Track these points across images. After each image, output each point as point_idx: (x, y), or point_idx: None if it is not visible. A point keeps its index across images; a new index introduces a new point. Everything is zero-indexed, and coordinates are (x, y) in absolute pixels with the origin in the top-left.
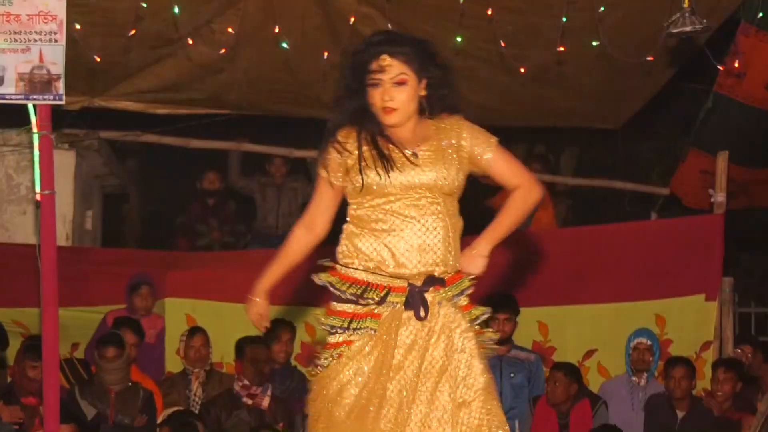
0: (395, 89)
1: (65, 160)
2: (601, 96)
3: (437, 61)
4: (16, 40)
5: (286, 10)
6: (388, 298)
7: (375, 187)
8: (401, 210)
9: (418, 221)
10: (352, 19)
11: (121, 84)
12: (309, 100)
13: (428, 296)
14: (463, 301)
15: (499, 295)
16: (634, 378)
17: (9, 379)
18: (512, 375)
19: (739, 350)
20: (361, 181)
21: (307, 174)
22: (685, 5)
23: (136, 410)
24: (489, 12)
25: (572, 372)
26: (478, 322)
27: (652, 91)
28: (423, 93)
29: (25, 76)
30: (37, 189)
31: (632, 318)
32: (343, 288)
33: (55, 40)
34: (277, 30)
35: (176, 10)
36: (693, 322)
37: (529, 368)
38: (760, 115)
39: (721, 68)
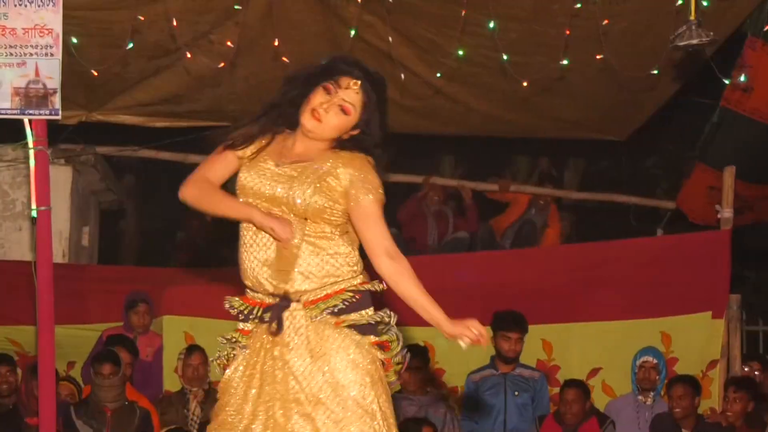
0: (336, 110)
1: (61, 176)
2: (605, 107)
3: (382, 122)
4: (11, 54)
5: (286, 19)
6: (256, 313)
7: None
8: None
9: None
10: (354, 29)
11: (119, 97)
12: None
13: (286, 314)
14: (334, 319)
15: (509, 314)
16: (640, 397)
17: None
18: (516, 393)
19: (747, 368)
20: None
21: None
22: (691, 18)
23: (133, 429)
24: (492, 23)
25: (585, 389)
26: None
27: (658, 104)
28: (346, 136)
29: (20, 90)
30: (33, 205)
31: (638, 336)
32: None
33: (51, 54)
34: (276, 43)
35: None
36: (699, 340)
37: (534, 387)
38: (767, 130)
39: (727, 82)
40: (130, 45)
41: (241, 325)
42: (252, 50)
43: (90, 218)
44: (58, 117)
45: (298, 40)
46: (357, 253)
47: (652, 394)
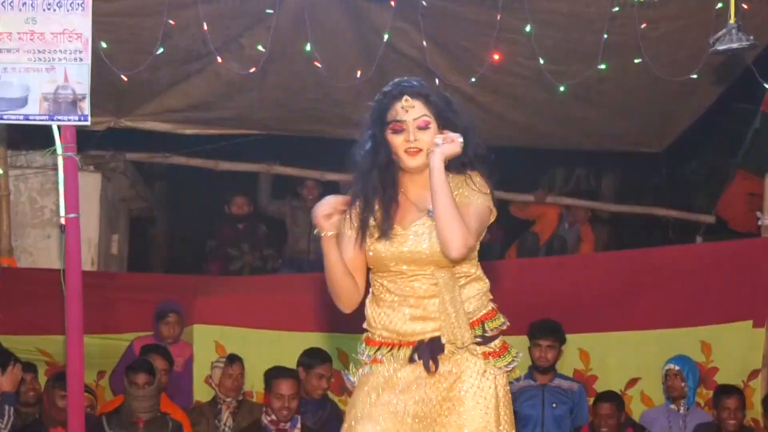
0: (419, 132)
1: (91, 183)
2: (644, 117)
3: (456, 109)
4: (40, 59)
5: (319, 24)
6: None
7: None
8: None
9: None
10: (387, 36)
11: (149, 103)
12: (341, 120)
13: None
14: (486, 348)
15: (542, 322)
16: (672, 406)
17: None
18: (554, 405)
19: None
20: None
21: None
22: (731, 21)
23: None
24: (528, 27)
25: (619, 402)
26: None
27: (698, 111)
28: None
29: (49, 96)
30: (62, 212)
31: (676, 345)
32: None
33: (81, 59)
34: (308, 47)
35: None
36: (740, 350)
37: (572, 398)
38: None
39: None
40: (161, 50)
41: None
42: (283, 55)
43: (119, 225)
44: (88, 123)
45: (331, 47)
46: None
47: (683, 401)
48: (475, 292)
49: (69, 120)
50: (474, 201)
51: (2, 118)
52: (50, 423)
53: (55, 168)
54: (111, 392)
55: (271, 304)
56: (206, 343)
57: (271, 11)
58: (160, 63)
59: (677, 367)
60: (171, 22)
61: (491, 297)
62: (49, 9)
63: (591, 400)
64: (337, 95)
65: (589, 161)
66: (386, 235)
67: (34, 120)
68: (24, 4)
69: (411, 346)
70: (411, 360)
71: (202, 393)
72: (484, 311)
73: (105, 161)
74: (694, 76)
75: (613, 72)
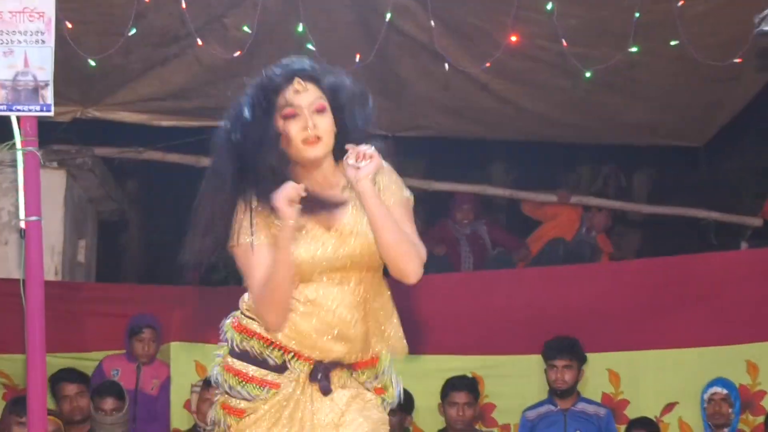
0: (317, 116)
1: (54, 181)
2: (680, 106)
3: (351, 90)
4: None
5: (311, 3)
6: (293, 363)
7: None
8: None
9: None
10: (389, 15)
11: (120, 91)
12: None
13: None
14: (378, 383)
15: (555, 339)
16: None
17: None
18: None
19: None
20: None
21: None
22: None
23: None
24: (549, 4)
25: (654, 430)
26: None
27: (742, 100)
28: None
29: (7, 83)
30: (21, 215)
31: (719, 365)
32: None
33: (43, 41)
34: (300, 28)
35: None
36: None
37: (599, 424)
38: None
39: None
40: (133, 31)
41: (246, 369)
42: (272, 37)
43: (87, 230)
44: (51, 113)
45: (326, 27)
46: None
47: (726, 430)
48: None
49: (29, 110)
50: (399, 197)
51: None
52: None
53: (13, 165)
54: None
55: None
56: (185, 363)
57: None
58: (133, 46)
59: (725, 391)
60: None
61: None
62: None
63: (622, 428)
64: None
65: (618, 157)
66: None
67: None
68: None
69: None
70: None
71: (180, 420)
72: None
73: (70, 157)
74: (738, 61)
75: (646, 56)
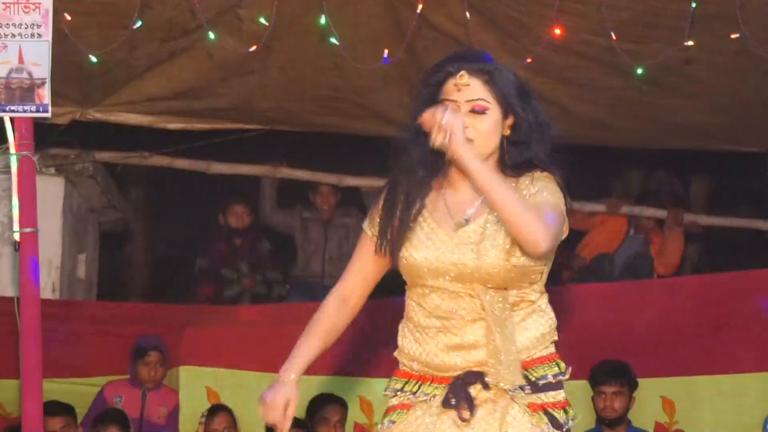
0: (472, 116)
1: (52, 189)
2: (742, 107)
3: (529, 96)
4: None
5: None
6: (423, 389)
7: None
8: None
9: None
10: (420, 6)
11: (124, 89)
12: (364, 112)
13: (473, 391)
14: (537, 399)
15: (604, 363)
16: None
17: None
18: None
19: None
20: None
21: (361, 207)
22: None
23: None
24: None
25: None
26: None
27: None
28: (507, 132)
29: (0, 81)
30: (15, 227)
31: None
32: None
33: (39, 35)
34: (323, 20)
35: None
36: None
37: None
38: None
39: None
40: (138, 23)
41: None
42: (291, 31)
43: (87, 243)
44: (48, 114)
45: (352, 21)
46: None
47: None
48: (536, 328)
49: (24, 111)
50: (544, 197)
51: None
52: None
53: (7, 171)
54: None
55: (277, 339)
56: (196, 389)
57: None
58: (138, 40)
59: None
60: None
61: (555, 338)
62: None
63: None
64: (359, 80)
65: (672, 162)
66: (428, 239)
67: None
68: None
69: (445, 384)
70: (445, 403)
71: None
72: (542, 354)
73: (69, 162)
74: None
75: (703, 51)
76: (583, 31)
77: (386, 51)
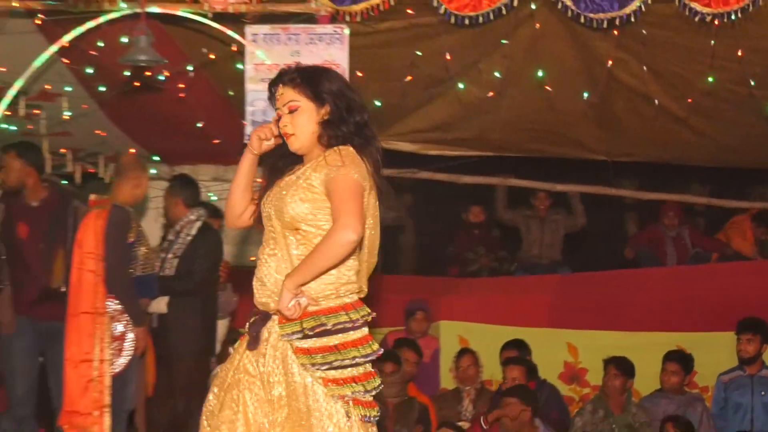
0: (289, 116)
1: None
2: None
3: (336, 87)
4: None
5: (549, 53)
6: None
7: None
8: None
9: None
10: (610, 62)
11: (397, 124)
12: (567, 140)
13: (264, 329)
14: (304, 343)
15: (747, 318)
16: None
17: None
18: (763, 393)
19: None
20: None
21: (568, 207)
22: None
23: (413, 422)
24: (740, 53)
25: None
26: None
27: None
28: (326, 117)
29: None
30: None
31: None
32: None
33: None
34: (540, 73)
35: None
36: None
37: None
38: None
39: None
40: (408, 78)
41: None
42: (517, 81)
43: None
44: None
45: (559, 75)
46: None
47: None
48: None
49: None
50: (340, 184)
51: None
52: None
53: None
54: None
55: (507, 302)
56: (451, 337)
57: (506, 41)
58: (408, 89)
59: None
60: (418, 52)
61: (354, 286)
62: (311, 43)
63: None
64: (564, 117)
65: None
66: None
67: None
68: (290, 38)
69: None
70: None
71: (448, 381)
72: (333, 303)
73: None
74: None
75: None
76: (728, 81)
77: (585, 94)
